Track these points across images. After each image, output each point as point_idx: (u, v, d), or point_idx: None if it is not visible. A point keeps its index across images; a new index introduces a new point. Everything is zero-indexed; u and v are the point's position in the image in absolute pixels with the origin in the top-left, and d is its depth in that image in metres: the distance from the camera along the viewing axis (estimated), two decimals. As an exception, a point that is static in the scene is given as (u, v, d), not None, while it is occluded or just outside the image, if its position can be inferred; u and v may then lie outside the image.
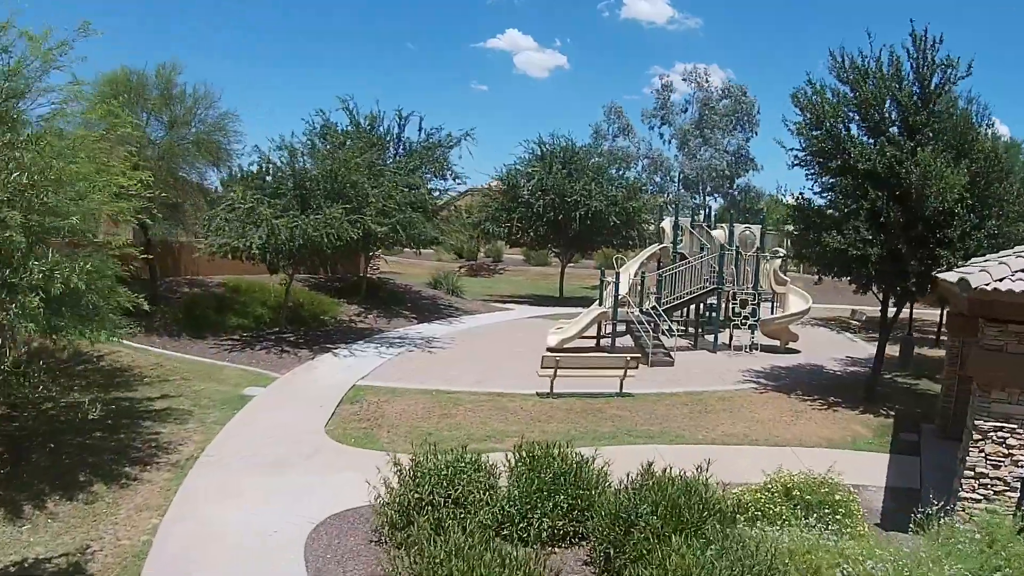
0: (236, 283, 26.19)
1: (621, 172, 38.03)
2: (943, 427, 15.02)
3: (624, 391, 16.49)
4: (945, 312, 19.46)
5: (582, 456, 8.38)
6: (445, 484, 8.04)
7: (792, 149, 16.79)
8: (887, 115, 16.31)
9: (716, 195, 51.96)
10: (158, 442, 12.64)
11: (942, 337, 28.36)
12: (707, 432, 14.46)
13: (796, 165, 16.80)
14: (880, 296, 17.95)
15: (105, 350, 17.93)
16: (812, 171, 16.86)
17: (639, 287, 25.01)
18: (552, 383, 16.00)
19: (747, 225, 27.66)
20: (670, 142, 50.01)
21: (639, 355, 16.69)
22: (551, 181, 33.52)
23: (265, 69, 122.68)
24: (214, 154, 23.85)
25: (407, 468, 8.68)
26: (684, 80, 52.42)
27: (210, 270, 26.98)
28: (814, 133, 16.09)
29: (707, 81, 50.98)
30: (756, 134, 50.86)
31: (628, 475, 8.38)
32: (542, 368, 15.79)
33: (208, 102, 23.61)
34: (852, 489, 9.74)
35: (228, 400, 15.49)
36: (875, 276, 15.94)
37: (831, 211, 16.28)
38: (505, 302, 34.19)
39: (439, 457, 8.52)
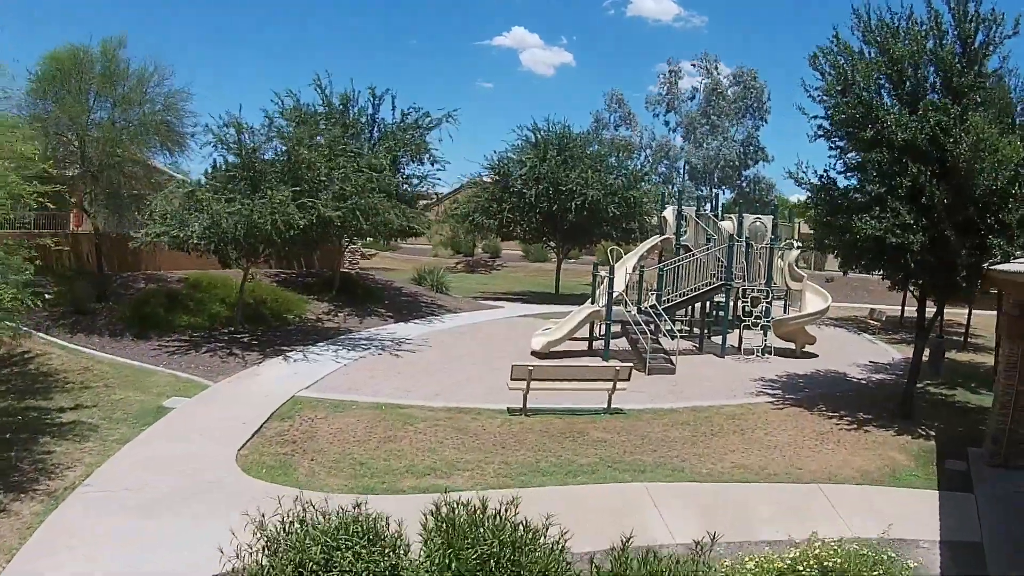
0: (198, 278, 23.86)
1: (622, 161, 35.34)
2: (996, 452, 12.37)
3: (613, 407, 13.83)
4: (983, 312, 16.55)
5: (526, 525, 5.71)
6: (318, 566, 5.41)
7: (815, 117, 14.08)
8: (925, 77, 13.64)
9: (724, 188, 49.26)
10: (46, 464, 10.75)
11: (970, 339, 25.77)
12: (713, 463, 11.75)
13: (820, 137, 14.09)
14: (916, 293, 15.24)
15: (37, 351, 16.68)
16: (838, 144, 14.15)
17: (637, 283, 22.36)
18: (525, 398, 13.35)
19: (757, 216, 24.99)
20: (675, 130, 47.45)
21: (630, 365, 13.96)
22: (545, 169, 30.85)
23: (265, 64, 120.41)
24: (164, 136, 21.61)
25: (279, 527, 6.06)
26: (693, 65, 49.85)
27: (173, 264, 24.66)
28: (843, 100, 13.38)
29: (716, 68, 48.34)
30: (766, 122, 48.15)
31: (592, 559, 5.70)
32: (512, 380, 13.15)
33: (158, 79, 21.35)
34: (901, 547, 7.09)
35: (143, 413, 13.35)
36: (916, 269, 13.19)
37: (862, 192, 13.52)
38: (497, 299, 31.57)
39: (319, 518, 5.90)
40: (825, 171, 14.47)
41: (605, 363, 19.38)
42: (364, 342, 20.29)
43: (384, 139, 24.29)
